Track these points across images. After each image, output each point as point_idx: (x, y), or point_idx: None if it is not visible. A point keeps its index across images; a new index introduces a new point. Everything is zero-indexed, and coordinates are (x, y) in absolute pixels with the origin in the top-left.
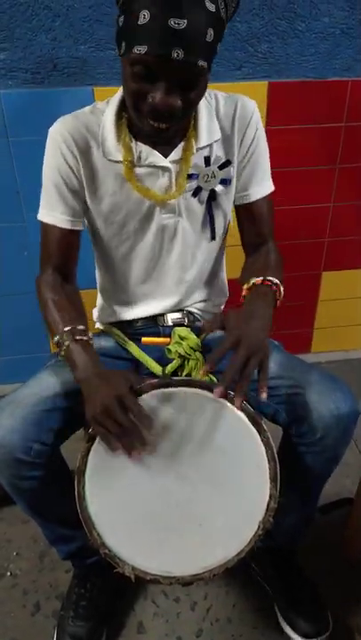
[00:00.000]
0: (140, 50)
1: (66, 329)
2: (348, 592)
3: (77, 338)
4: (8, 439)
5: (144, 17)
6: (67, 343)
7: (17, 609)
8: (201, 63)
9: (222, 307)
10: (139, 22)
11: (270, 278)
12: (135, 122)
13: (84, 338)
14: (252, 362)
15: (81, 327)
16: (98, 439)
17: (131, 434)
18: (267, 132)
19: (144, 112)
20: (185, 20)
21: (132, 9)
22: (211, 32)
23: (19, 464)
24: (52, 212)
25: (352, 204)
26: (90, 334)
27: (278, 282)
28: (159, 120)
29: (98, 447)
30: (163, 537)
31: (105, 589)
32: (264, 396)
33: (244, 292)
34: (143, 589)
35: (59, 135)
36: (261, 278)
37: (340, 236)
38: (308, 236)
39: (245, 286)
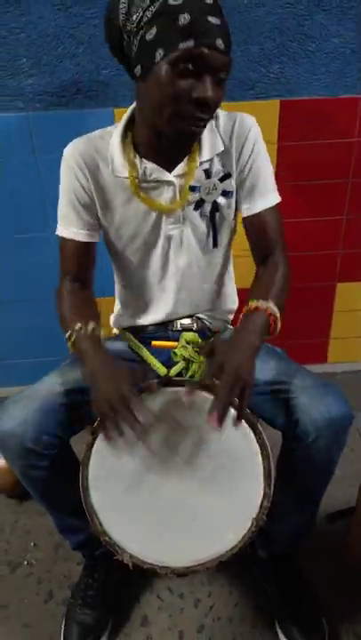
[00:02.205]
0: (189, 44)
1: (77, 326)
2: (349, 599)
3: (86, 334)
4: (20, 430)
5: (184, 19)
6: (76, 339)
7: (31, 596)
8: (230, 57)
9: (232, 315)
10: (179, 23)
11: (267, 306)
12: (164, 128)
13: (94, 334)
14: (235, 389)
15: (92, 324)
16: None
17: (127, 421)
18: (279, 148)
19: (187, 115)
20: (219, 19)
21: (167, 17)
22: (229, 34)
23: (29, 454)
24: (68, 226)
25: None
26: (100, 331)
27: (275, 309)
28: (204, 116)
29: (101, 440)
30: (160, 529)
31: (112, 581)
32: (238, 425)
33: (242, 314)
34: (149, 584)
35: (71, 157)
36: (255, 305)
37: (353, 247)
38: (322, 247)
39: (245, 309)
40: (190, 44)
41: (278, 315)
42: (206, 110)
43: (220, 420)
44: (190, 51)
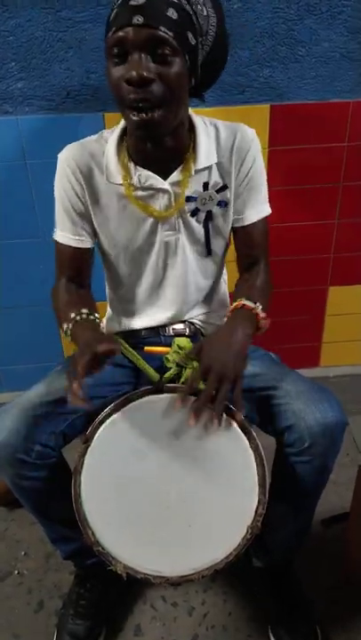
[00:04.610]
0: (111, 33)
1: (71, 316)
2: (345, 605)
3: (80, 318)
4: (10, 440)
5: (114, 12)
6: (71, 327)
7: (21, 606)
8: (163, 30)
9: (225, 319)
10: (111, 18)
11: (249, 303)
12: (129, 127)
13: (89, 318)
14: (222, 389)
15: (85, 310)
16: (95, 440)
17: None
18: (270, 152)
19: (126, 100)
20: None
21: (108, 19)
22: (172, 11)
23: (20, 464)
24: (63, 232)
25: (356, 221)
26: (96, 315)
27: (259, 306)
28: (138, 96)
29: (94, 448)
30: (154, 537)
31: (104, 590)
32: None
33: (228, 314)
34: (142, 593)
35: (65, 163)
36: (242, 302)
37: (345, 251)
38: (314, 251)
39: (229, 309)
40: (112, 31)
41: (263, 313)
42: (137, 93)
43: (196, 416)
44: (113, 37)
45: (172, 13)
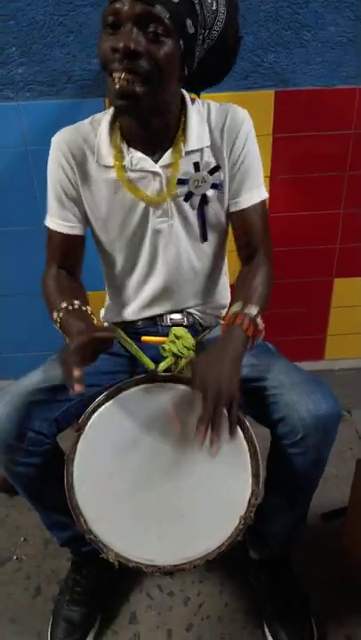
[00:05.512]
0: (108, 2)
1: (63, 305)
2: (343, 599)
3: (71, 308)
4: (4, 425)
5: None
6: (62, 316)
7: (19, 591)
8: (159, 8)
9: (224, 310)
10: None
11: (247, 313)
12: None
13: (80, 309)
14: (218, 411)
15: (77, 302)
16: (87, 428)
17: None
18: (274, 139)
19: (110, 68)
20: None
21: None
22: None
23: (14, 450)
24: (54, 218)
25: None
26: (87, 307)
27: (254, 314)
28: (123, 66)
29: (87, 437)
30: (146, 526)
31: (100, 577)
32: (232, 438)
33: (223, 323)
34: (138, 582)
35: (58, 148)
36: (235, 314)
37: (351, 242)
38: (319, 242)
39: (226, 316)
40: (108, 2)
41: (259, 320)
42: (123, 62)
43: (204, 434)
44: (108, 8)
45: None
